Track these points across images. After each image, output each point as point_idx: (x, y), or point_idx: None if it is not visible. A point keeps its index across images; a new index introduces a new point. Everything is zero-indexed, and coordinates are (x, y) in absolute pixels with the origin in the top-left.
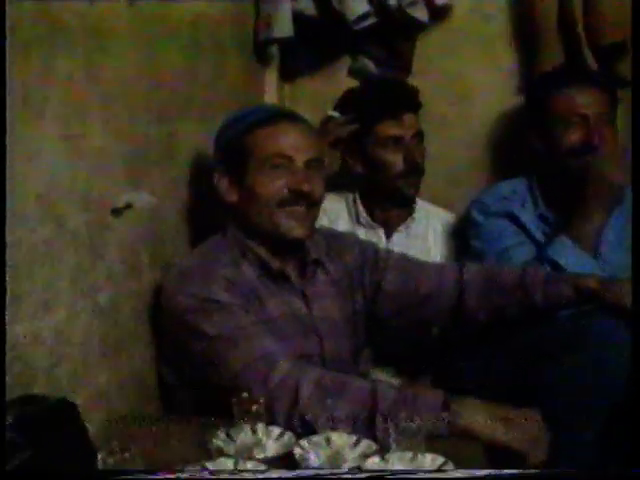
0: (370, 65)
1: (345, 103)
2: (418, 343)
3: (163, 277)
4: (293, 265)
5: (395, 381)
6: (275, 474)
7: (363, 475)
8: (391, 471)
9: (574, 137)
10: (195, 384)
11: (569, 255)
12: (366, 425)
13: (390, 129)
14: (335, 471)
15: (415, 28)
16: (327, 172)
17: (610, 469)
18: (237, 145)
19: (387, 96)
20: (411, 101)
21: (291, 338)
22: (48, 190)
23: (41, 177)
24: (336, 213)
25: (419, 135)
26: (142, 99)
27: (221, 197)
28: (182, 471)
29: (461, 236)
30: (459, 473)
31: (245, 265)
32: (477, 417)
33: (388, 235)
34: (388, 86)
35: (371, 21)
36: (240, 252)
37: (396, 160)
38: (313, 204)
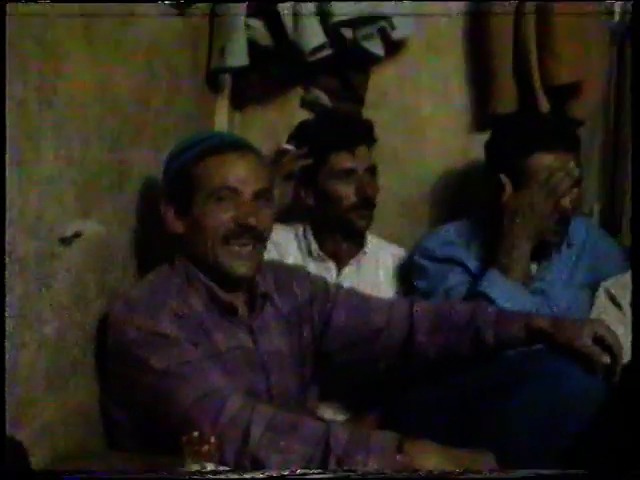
0: (323, 97)
1: (298, 135)
2: (365, 379)
3: (109, 307)
4: (242, 298)
5: (341, 417)
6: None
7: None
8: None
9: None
10: (142, 419)
11: (499, 288)
12: (318, 467)
13: (343, 162)
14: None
15: (370, 61)
16: (278, 205)
17: (610, 469)
18: (183, 176)
19: (341, 128)
20: (365, 134)
21: (238, 373)
22: None
23: None
24: (285, 245)
25: (372, 169)
26: (95, 125)
27: (167, 227)
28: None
29: (409, 276)
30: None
31: (193, 297)
32: (431, 460)
33: (339, 269)
34: (342, 118)
35: (326, 52)
36: (188, 284)
37: (348, 192)
38: (259, 239)
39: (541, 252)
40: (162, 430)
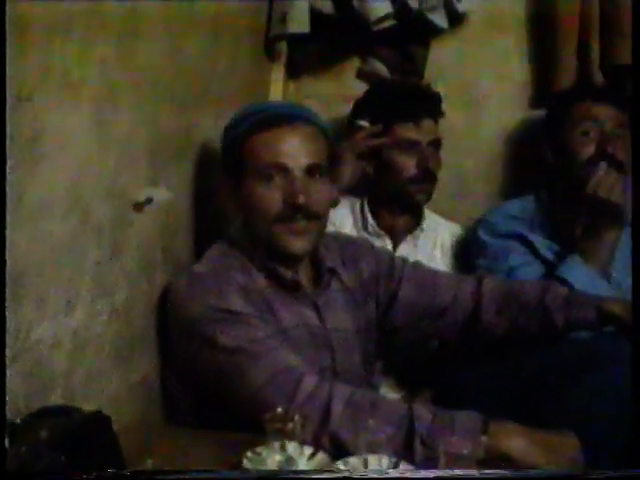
0: (382, 68)
1: (365, 105)
2: (422, 356)
3: (172, 282)
4: (306, 274)
5: (395, 394)
6: None
7: None
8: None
9: (588, 146)
10: (204, 396)
11: (580, 275)
12: (402, 448)
13: (408, 132)
14: None
15: (432, 33)
16: (350, 182)
17: (610, 469)
18: (234, 151)
19: (408, 99)
20: (432, 106)
21: (303, 350)
22: (77, 180)
23: (71, 166)
24: (340, 220)
25: (436, 142)
26: (167, 88)
27: (223, 202)
28: None
29: (466, 254)
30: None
31: (255, 273)
32: (517, 442)
33: (394, 245)
34: (409, 89)
35: (390, 23)
36: (249, 260)
37: (409, 164)
38: (314, 216)
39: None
40: (228, 408)
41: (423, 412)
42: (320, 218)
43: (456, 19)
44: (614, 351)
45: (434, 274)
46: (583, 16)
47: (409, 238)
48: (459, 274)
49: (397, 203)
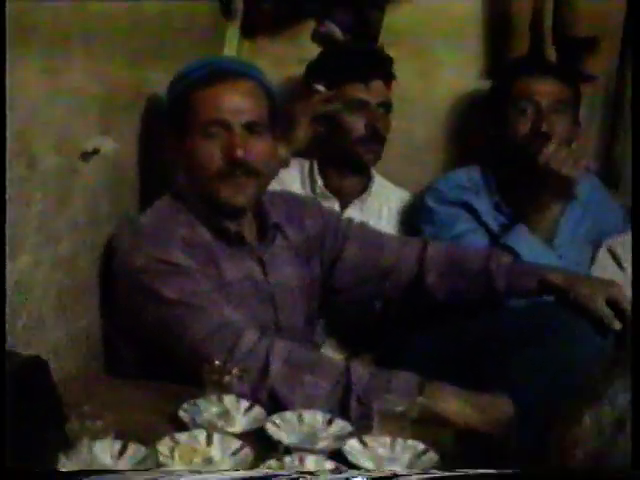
0: (336, 31)
1: (316, 68)
2: (365, 318)
3: (116, 233)
4: (251, 229)
5: (339, 356)
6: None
7: None
8: None
9: (524, 124)
10: (146, 348)
11: (526, 244)
12: (338, 405)
13: (356, 92)
14: None
15: None
16: (301, 144)
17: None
18: (178, 105)
19: (356, 59)
20: (381, 68)
21: (247, 304)
22: (24, 128)
23: (19, 114)
24: (289, 181)
25: (386, 104)
26: (121, 40)
27: (166, 154)
28: None
29: (413, 220)
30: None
31: (200, 227)
32: (451, 403)
33: (342, 207)
34: (359, 51)
35: None
36: (194, 213)
37: (358, 124)
38: (254, 172)
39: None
40: (169, 360)
41: (360, 370)
42: (259, 174)
43: None
44: (556, 323)
45: (379, 236)
46: None
47: (357, 201)
48: (405, 237)
49: (346, 164)
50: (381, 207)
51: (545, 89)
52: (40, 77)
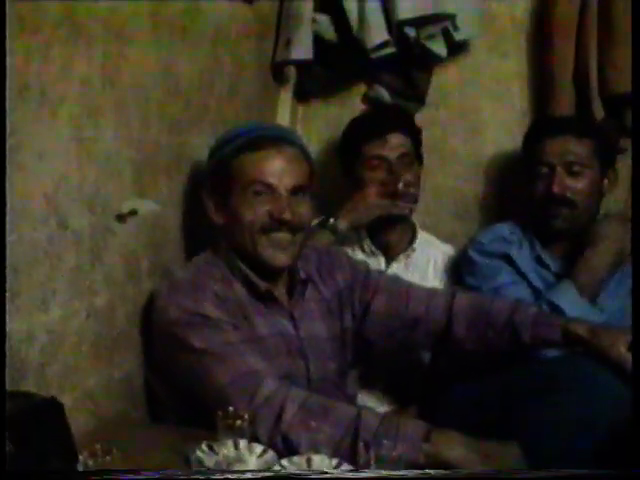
0: (385, 94)
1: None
2: (407, 370)
3: (156, 288)
4: (282, 285)
5: (382, 407)
6: None
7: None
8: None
9: (540, 186)
10: (180, 395)
11: (571, 301)
12: (348, 451)
13: (374, 149)
14: None
15: (432, 61)
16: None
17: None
18: (222, 168)
19: (371, 118)
20: (396, 120)
21: (278, 358)
22: (55, 189)
23: (50, 176)
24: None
25: (407, 155)
26: (156, 107)
27: (208, 217)
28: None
29: (457, 273)
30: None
31: (235, 283)
32: (456, 450)
33: (388, 263)
34: (378, 109)
35: (389, 51)
36: (230, 270)
37: (378, 177)
38: (297, 230)
39: None
40: (199, 407)
41: (370, 418)
42: (302, 231)
43: (456, 47)
44: (579, 373)
45: (408, 286)
46: (580, 42)
47: (402, 257)
48: (434, 288)
49: (388, 220)
50: (427, 262)
51: (560, 149)
52: (69, 143)
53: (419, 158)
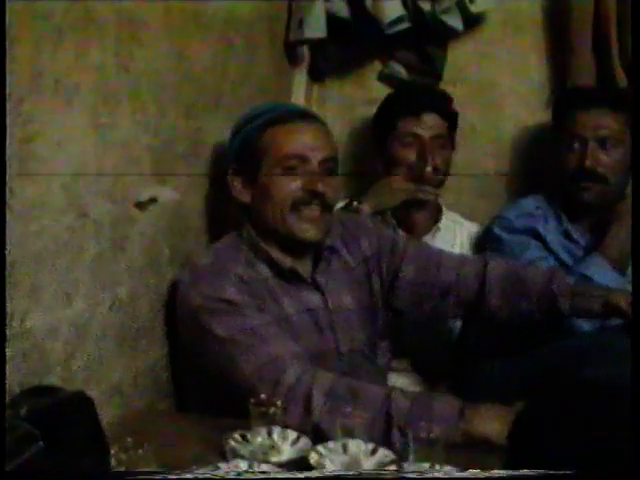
0: (402, 71)
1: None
2: (437, 344)
3: (179, 274)
4: (307, 260)
5: (411, 385)
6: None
7: None
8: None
9: (572, 159)
10: (207, 384)
11: (602, 274)
12: (382, 433)
13: (408, 126)
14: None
15: (448, 35)
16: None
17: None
18: (251, 144)
19: (408, 94)
20: (432, 101)
21: (306, 336)
22: (74, 179)
23: (68, 166)
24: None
25: (441, 137)
26: (171, 93)
27: (234, 196)
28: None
29: (482, 250)
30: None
31: (259, 264)
32: (492, 424)
33: None
34: (411, 86)
35: (404, 26)
36: (253, 252)
37: (409, 157)
38: (327, 205)
39: None
40: (227, 396)
41: (401, 398)
42: (331, 210)
43: (472, 20)
44: (618, 347)
45: (438, 253)
46: (599, 11)
47: (427, 236)
48: (464, 255)
49: (409, 202)
50: (453, 241)
51: (593, 123)
52: (86, 132)
53: (452, 142)
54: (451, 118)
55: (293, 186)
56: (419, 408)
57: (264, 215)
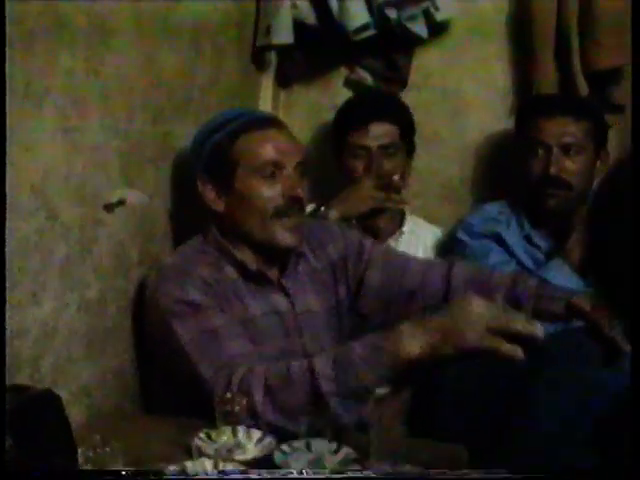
0: (367, 77)
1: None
2: None
3: (145, 277)
4: (275, 263)
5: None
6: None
7: None
8: None
9: (535, 166)
10: (174, 385)
11: (563, 278)
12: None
13: (357, 138)
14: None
15: (414, 42)
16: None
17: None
18: (223, 153)
19: (356, 105)
20: (381, 110)
21: (271, 337)
22: (43, 181)
23: (37, 168)
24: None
25: (390, 145)
26: (140, 97)
27: (207, 205)
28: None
29: (447, 255)
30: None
31: (226, 266)
32: (415, 340)
33: None
34: (360, 97)
35: (370, 33)
36: (220, 254)
37: (358, 168)
38: (303, 209)
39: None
40: (192, 397)
41: (323, 365)
42: (304, 212)
43: (437, 28)
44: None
45: (404, 258)
46: (560, 20)
47: (390, 241)
48: (431, 259)
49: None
50: (417, 245)
51: (557, 130)
52: (55, 135)
53: (409, 146)
54: (403, 123)
55: (273, 193)
56: (340, 360)
57: (241, 223)
